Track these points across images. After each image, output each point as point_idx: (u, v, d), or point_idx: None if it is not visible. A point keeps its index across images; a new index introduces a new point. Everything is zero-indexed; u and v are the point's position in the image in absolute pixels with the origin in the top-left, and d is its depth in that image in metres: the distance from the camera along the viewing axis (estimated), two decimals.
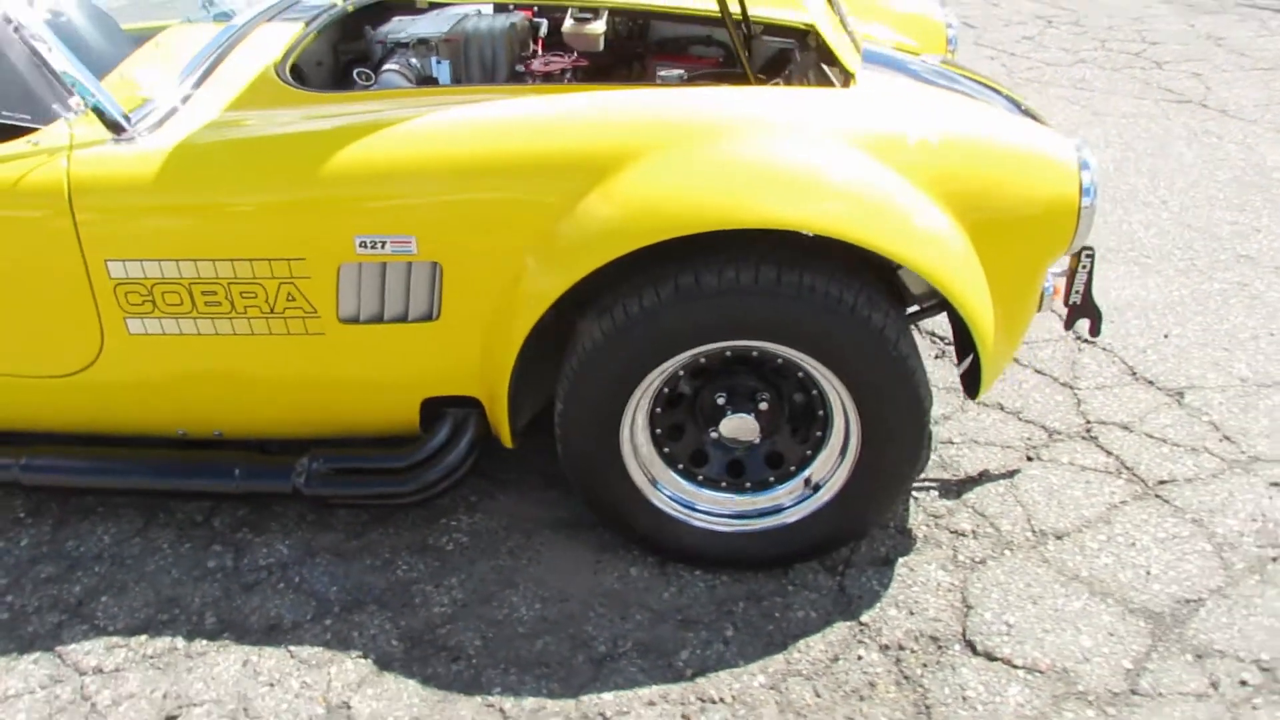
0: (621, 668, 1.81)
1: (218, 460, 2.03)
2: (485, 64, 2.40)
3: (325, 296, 1.83)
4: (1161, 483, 2.19)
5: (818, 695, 1.74)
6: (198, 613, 1.98)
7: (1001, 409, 2.47)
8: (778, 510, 1.94)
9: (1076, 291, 2.05)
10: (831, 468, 1.90)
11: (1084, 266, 2.02)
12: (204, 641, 1.91)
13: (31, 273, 1.87)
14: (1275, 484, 2.16)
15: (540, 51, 2.70)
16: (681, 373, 1.85)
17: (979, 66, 5.28)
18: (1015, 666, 1.77)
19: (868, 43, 2.47)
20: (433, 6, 2.77)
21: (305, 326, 1.86)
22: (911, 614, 1.89)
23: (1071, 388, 2.54)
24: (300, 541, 2.14)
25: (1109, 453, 2.29)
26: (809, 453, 1.92)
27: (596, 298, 1.80)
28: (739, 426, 1.87)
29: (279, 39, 2.16)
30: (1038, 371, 2.62)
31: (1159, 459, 2.26)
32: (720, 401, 1.87)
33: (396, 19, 2.54)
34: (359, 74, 2.12)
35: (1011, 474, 2.24)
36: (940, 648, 1.82)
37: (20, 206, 1.81)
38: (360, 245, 1.77)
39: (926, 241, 1.67)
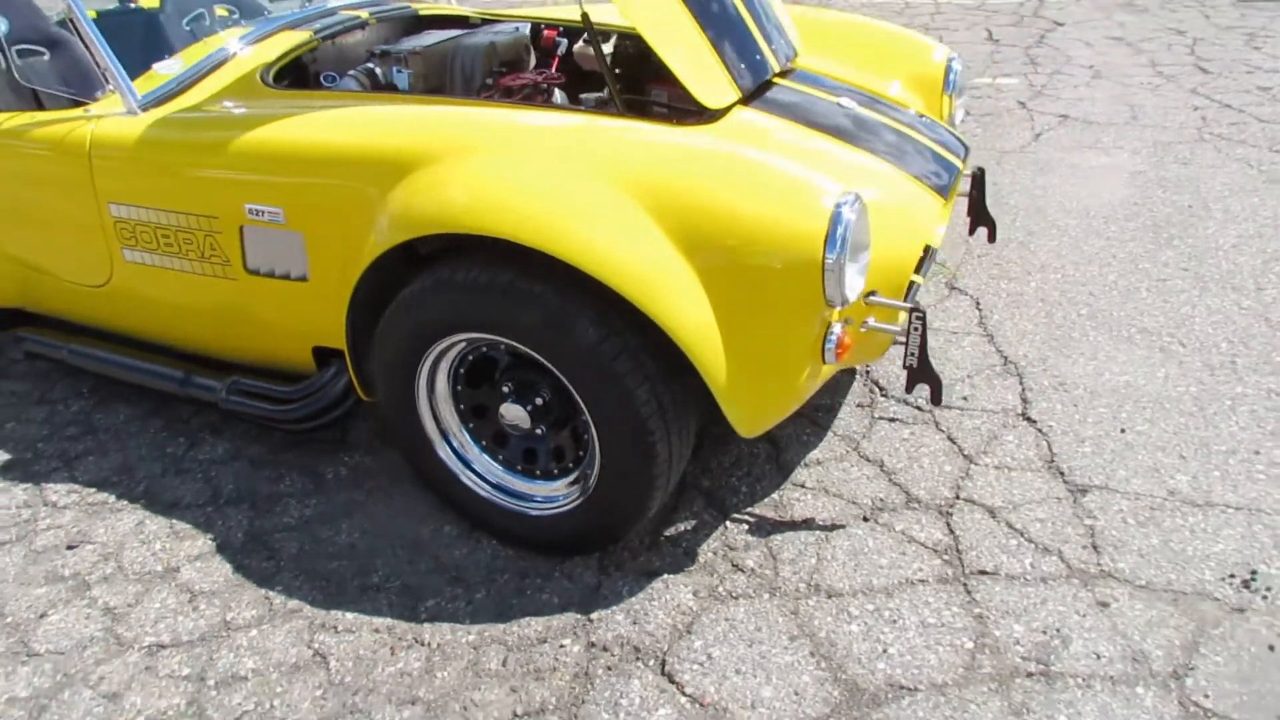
0: (376, 599, 2.10)
1: (174, 367, 2.57)
2: (466, 77, 2.74)
3: (234, 250, 2.28)
4: (980, 573, 2.05)
5: (504, 664, 1.92)
6: (139, 482, 2.54)
7: (881, 467, 2.40)
8: (529, 499, 2.12)
9: (911, 354, 2.01)
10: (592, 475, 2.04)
11: (915, 329, 1.98)
12: (125, 501, 2.46)
13: (72, 206, 2.51)
14: (1103, 604, 1.95)
15: (554, 69, 3.01)
16: (471, 356, 2.09)
17: (1176, 116, 4.77)
18: (684, 693, 1.82)
19: (803, 74, 2.51)
20: (485, 22, 3.19)
21: (224, 272, 2.33)
22: (635, 624, 1.99)
23: (971, 461, 2.39)
24: (235, 448, 2.65)
25: (951, 532, 2.17)
26: (581, 454, 2.08)
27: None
28: (513, 413, 2.07)
29: (289, 42, 2.65)
30: (949, 438, 2.48)
31: (996, 550, 2.11)
32: (506, 389, 2.08)
33: (426, 33, 2.96)
34: (324, 77, 2.56)
35: (834, 529, 2.20)
36: (637, 658, 1.91)
37: (65, 154, 2.45)
38: (250, 212, 2.20)
39: (643, 270, 1.76)
